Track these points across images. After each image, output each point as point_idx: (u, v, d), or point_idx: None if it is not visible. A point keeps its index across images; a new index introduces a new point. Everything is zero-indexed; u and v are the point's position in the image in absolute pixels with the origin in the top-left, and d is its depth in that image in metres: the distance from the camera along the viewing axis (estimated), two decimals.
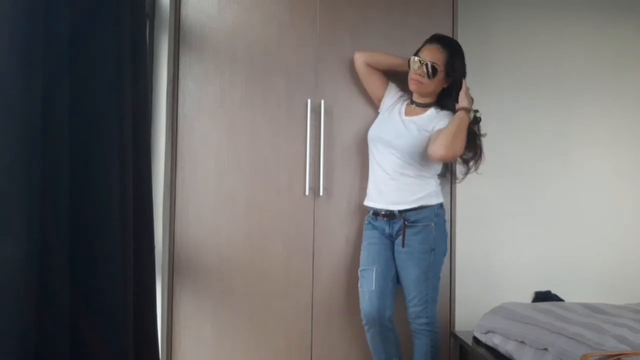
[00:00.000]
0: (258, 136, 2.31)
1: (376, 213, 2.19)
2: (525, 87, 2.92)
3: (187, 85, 2.29)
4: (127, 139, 1.59)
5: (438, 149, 2.01)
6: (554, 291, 2.86)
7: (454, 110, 2.12)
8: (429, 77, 2.11)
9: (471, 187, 2.78)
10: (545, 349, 1.83)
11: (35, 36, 1.21)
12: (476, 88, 2.82)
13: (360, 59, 2.27)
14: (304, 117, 2.29)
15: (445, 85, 2.18)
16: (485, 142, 2.87)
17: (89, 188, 1.44)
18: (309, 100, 2.30)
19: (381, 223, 2.18)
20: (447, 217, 2.38)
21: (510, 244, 2.88)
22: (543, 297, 2.82)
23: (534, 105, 2.93)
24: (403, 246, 2.11)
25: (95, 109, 1.47)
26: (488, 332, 2.22)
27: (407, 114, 2.21)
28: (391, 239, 2.18)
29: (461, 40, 2.47)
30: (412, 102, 2.24)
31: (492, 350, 2.15)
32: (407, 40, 2.38)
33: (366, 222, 2.24)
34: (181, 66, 2.28)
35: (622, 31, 3.04)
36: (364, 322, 2.15)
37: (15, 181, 1.16)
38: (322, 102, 2.28)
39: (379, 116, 2.28)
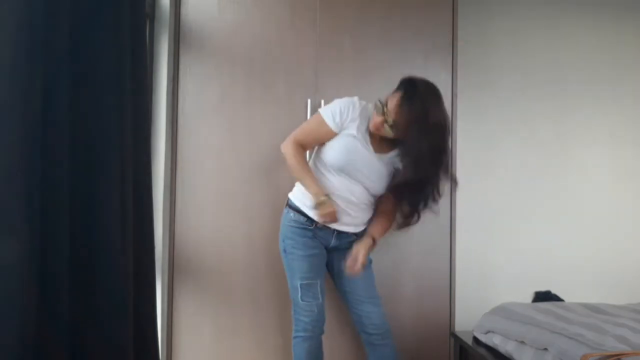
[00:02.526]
0: (258, 136, 2.31)
1: (324, 225, 2.02)
2: (525, 87, 2.92)
3: (187, 85, 2.29)
4: (127, 139, 1.59)
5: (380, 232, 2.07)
6: (554, 291, 2.86)
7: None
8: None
9: (471, 187, 2.79)
10: (545, 349, 1.83)
11: (36, 36, 1.21)
12: (476, 88, 2.84)
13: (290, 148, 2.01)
14: (304, 117, 2.29)
15: None
16: (485, 142, 2.89)
17: (89, 188, 1.44)
18: (309, 100, 2.30)
19: (326, 235, 2.03)
20: (447, 216, 2.39)
21: (510, 243, 2.88)
22: (543, 297, 2.82)
23: (534, 106, 2.93)
24: (370, 261, 2.09)
25: (95, 109, 1.47)
26: (488, 332, 2.22)
27: (375, 149, 1.99)
28: (333, 249, 2.08)
29: (461, 40, 2.48)
30: (371, 133, 1.99)
31: (492, 350, 2.15)
32: (407, 40, 2.39)
33: (302, 227, 2.03)
34: (181, 66, 2.28)
35: (622, 31, 3.04)
36: (304, 334, 2.01)
37: (15, 181, 1.16)
38: (322, 102, 2.28)
39: (342, 140, 1.98)
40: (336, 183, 1.99)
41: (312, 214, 2.00)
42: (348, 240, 2.06)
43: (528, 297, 2.86)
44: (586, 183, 2.97)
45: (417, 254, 2.38)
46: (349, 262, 2.00)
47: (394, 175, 2.01)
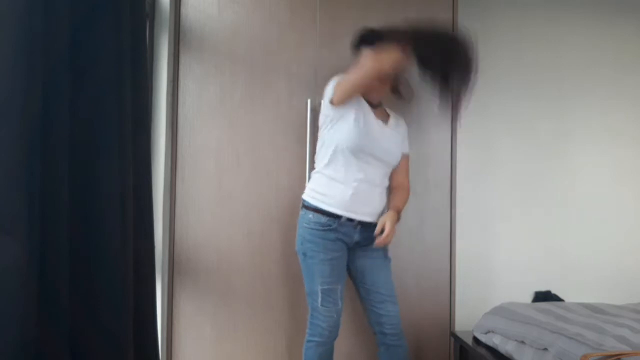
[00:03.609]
0: (258, 136, 2.31)
1: (348, 220, 1.99)
2: (525, 86, 2.92)
3: (187, 85, 2.29)
4: (127, 138, 1.59)
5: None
6: (554, 291, 2.86)
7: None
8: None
9: (471, 187, 2.79)
10: (545, 349, 1.83)
11: (35, 36, 1.21)
12: (476, 88, 2.83)
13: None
14: (304, 117, 2.29)
15: None
16: (485, 142, 2.89)
17: (89, 188, 1.44)
18: (308, 100, 2.29)
19: (349, 230, 2.00)
20: (447, 216, 2.39)
21: (510, 243, 2.88)
22: (543, 297, 2.82)
23: (534, 105, 2.93)
24: (386, 256, 2.10)
25: (95, 109, 1.47)
26: (488, 332, 2.22)
27: (381, 120, 2.08)
28: (355, 246, 2.05)
29: None
30: (368, 102, 2.05)
31: (492, 350, 2.15)
32: None
33: (323, 229, 1.97)
34: (181, 66, 2.28)
35: (622, 31, 3.04)
36: (320, 339, 1.98)
37: (15, 181, 1.16)
38: (322, 102, 2.28)
39: (352, 122, 1.98)
40: (354, 168, 1.98)
41: (333, 208, 1.97)
42: (370, 234, 2.02)
43: (528, 297, 2.86)
44: (586, 183, 2.97)
45: (417, 253, 2.38)
46: (376, 233, 1.97)
47: (402, 143, 2.11)
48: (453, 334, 2.37)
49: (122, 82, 1.56)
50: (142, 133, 1.76)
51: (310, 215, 2.00)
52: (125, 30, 1.59)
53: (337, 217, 1.98)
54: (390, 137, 2.08)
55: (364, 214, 2.01)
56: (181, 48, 2.28)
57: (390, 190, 2.14)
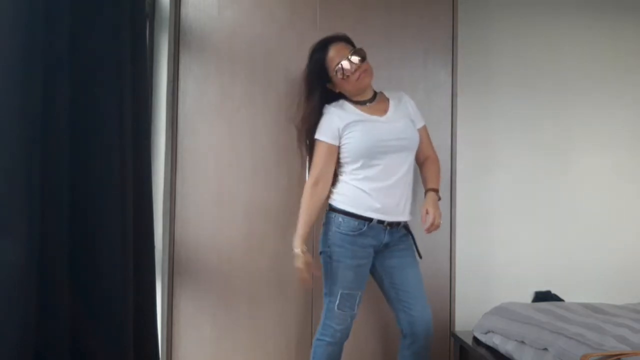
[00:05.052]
0: (258, 136, 2.31)
1: (379, 222, 1.98)
2: (525, 86, 2.92)
3: (187, 85, 2.29)
4: (127, 139, 1.59)
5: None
6: (554, 291, 2.86)
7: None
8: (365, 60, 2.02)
9: (471, 186, 2.79)
10: (545, 349, 1.83)
11: (36, 36, 1.21)
12: (476, 87, 2.84)
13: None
14: None
15: None
16: (485, 142, 2.89)
17: (89, 188, 1.44)
18: None
19: (379, 232, 1.98)
20: (447, 216, 2.39)
21: (510, 243, 2.88)
22: (543, 297, 2.82)
23: (534, 105, 2.92)
24: (420, 257, 2.09)
25: (95, 109, 1.47)
26: (488, 332, 2.22)
27: (379, 115, 2.03)
28: (384, 248, 2.02)
29: (461, 39, 2.48)
30: (359, 102, 2.05)
31: (492, 350, 2.15)
32: (407, 40, 2.39)
33: (354, 233, 1.96)
34: (181, 66, 2.28)
35: (622, 31, 3.04)
36: (331, 340, 1.99)
37: (15, 181, 1.16)
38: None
39: (359, 131, 1.98)
40: (372, 174, 1.97)
41: (363, 212, 1.95)
42: (398, 235, 2.02)
43: (528, 297, 2.86)
44: (586, 183, 2.96)
45: None
46: (423, 221, 1.97)
47: (414, 119, 2.08)
48: (453, 334, 2.37)
49: (122, 82, 1.56)
50: (142, 133, 1.76)
51: (340, 219, 1.97)
52: (125, 30, 1.59)
53: (368, 220, 1.96)
54: (396, 123, 2.03)
55: (393, 214, 1.99)
56: (181, 48, 2.28)
57: (419, 166, 2.14)
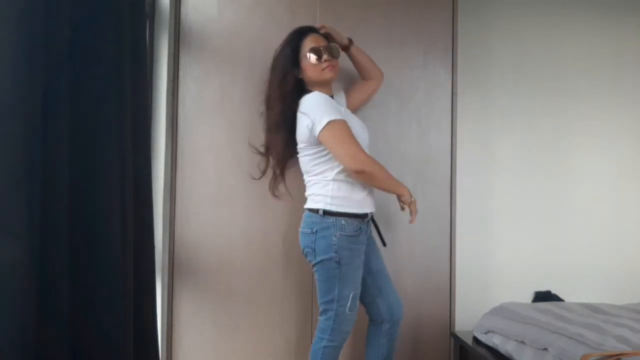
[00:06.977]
0: (258, 136, 2.30)
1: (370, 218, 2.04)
2: (525, 86, 2.92)
3: (187, 85, 2.29)
4: (127, 139, 1.59)
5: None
6: (554, 291, 2.86)
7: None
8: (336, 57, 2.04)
9: (471, 186, 2.79)
10: (545, 349, 1.83)
11: (36, 36, 1.21)
12: (476, 87, 2.84)
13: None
14: None
15: None
16: (485, 142, 2.89)
17: (89, 188, 1.44)
18: None
19: (367, 225, 2.03)
20: (447, 216, 2.39)
21: (510, 243, 2.88)
22: (543, 297, 2.82)
23: (534, 105, 2.93)
24: (385, 244, 2.12)
25: (95, 109, 1.47)
26: (488, 332, 2.22)
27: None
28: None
29: (461, 39, 2.48)
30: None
31: (492, 350, 2.15)
32: (407, 40, 2.39)
33: (356, 233, 1.94)
34: (181, 66, 2.28)
35: (622, 31, 3.04)
36: (339, 344, 1.98)
37: (15, 181, 1.16)
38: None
39: (357, 125, 2.05)
40: None
41: (360, 209, 1.95)
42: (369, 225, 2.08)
43: (528, 297, 2.86)
44: (586, 183, 2.96)
45: (417, 254, 2.38)
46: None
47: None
48: (453, 334, 2.37)
49: (122, 82, 1.56)
50: (142, 133, 1.76)
51: (343, 222, 1.92)
52: (125, 31, 1.59)
53: (364, 216, 1.98)
54: (360, 122, 2.10)
55: (373, 205, 2.04)
56: (181, 48, 2.28)
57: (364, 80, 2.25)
